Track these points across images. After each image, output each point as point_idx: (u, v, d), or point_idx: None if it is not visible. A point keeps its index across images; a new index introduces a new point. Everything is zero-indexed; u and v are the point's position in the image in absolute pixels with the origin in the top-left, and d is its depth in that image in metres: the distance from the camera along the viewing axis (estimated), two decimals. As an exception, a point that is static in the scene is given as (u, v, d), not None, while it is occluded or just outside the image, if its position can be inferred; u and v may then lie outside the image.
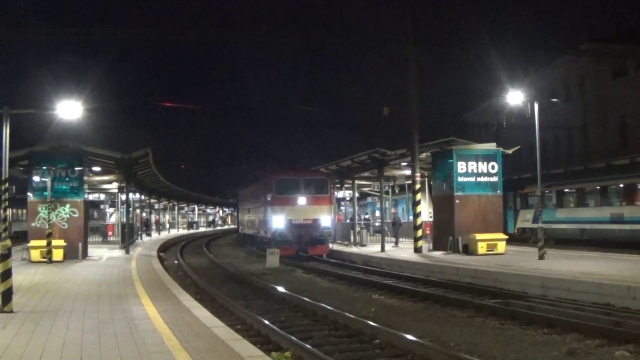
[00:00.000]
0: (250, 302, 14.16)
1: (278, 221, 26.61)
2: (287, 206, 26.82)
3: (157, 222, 60.95)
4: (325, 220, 27.12)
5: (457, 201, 22.70)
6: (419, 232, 23.60)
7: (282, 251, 24.95)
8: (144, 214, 48.01)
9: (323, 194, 27.76)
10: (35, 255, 20.38)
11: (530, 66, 44.70)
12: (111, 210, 45.16)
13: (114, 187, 34.73)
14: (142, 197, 43.19)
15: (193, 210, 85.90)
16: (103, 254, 24.62)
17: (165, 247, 35.19)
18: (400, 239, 30.12)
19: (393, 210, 38.54)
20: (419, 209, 23.82)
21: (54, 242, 20.54)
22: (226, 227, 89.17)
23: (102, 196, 41.21)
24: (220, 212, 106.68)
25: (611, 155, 32.66)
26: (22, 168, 24.53)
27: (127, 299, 11.55)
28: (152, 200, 50.15)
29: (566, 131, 40.91)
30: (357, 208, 33.86)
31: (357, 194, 33.49)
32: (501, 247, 21.95)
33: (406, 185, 33.93)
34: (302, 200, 26.92)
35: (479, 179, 23.03)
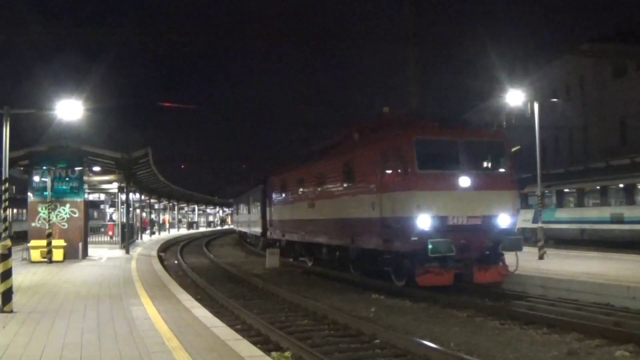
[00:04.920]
0: (250, 301, 14.16)
1: (423, 220, 13.95)
2: (438, 191, 14.33)
3: (164, 222, 61.20)
4: (504, 218, 14.73)
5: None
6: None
7: (425, 278, 13.80)
8: (144, 214, 48.01)
9: (499, 170, 15.41)
10: (35, 255, 20.38)
11: (530, 66, 44.78)
12: (111, 210, 45.21)
13: (114, 187, 34.73)
14: (142, 197, 43.20)
15: (193, 211, 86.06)
16: (103, 254, 24.61)
17: (165, 247, 35.21)
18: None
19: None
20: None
21: (54, 242, 20.54)
22: (226, 227, 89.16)
23: (102, 196, 41.26)
24: (220, 212, 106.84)
25: (611, 155, 32.69)
26: (22, 168, 24.56)
27: (127, 299, 11.55)
28: (152, 200, 50.16)
29: (566, 131, 40.94)
30: None
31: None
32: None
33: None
34: (464, 180, 14.45)
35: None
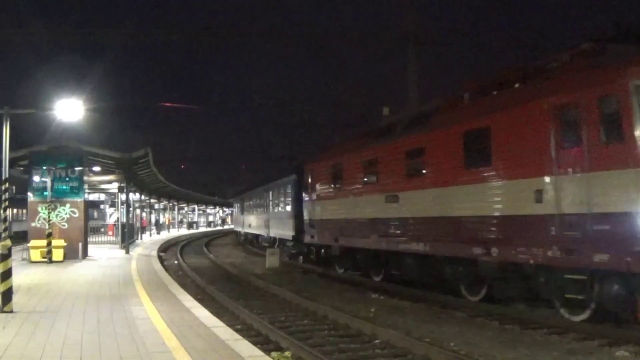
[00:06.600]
0: (250, 301, 14.16)
1: None
2: None
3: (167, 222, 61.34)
4: None
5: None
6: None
7: None
8: (144, 214, 48.02)
9: None
10: (35, 255, 20.38)
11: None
12: (111, 210, 45.27)
13: (114, 187, 34.76)
14: (142, 197, 43.22)
15: (193, 211, 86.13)
16: (103, 254, 24.62)
17: (165, 248, 35.21)
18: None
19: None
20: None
21: (54, 242, 20.55)
22: (226, 227, 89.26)
23: (102, 196, 41.32)
24: (220, 212, 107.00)
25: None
26: (22, 168, 24.57)
27: (127, 299, 11.55)
28: (152, 200, 50.18)
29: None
30: None
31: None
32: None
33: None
34: None
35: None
